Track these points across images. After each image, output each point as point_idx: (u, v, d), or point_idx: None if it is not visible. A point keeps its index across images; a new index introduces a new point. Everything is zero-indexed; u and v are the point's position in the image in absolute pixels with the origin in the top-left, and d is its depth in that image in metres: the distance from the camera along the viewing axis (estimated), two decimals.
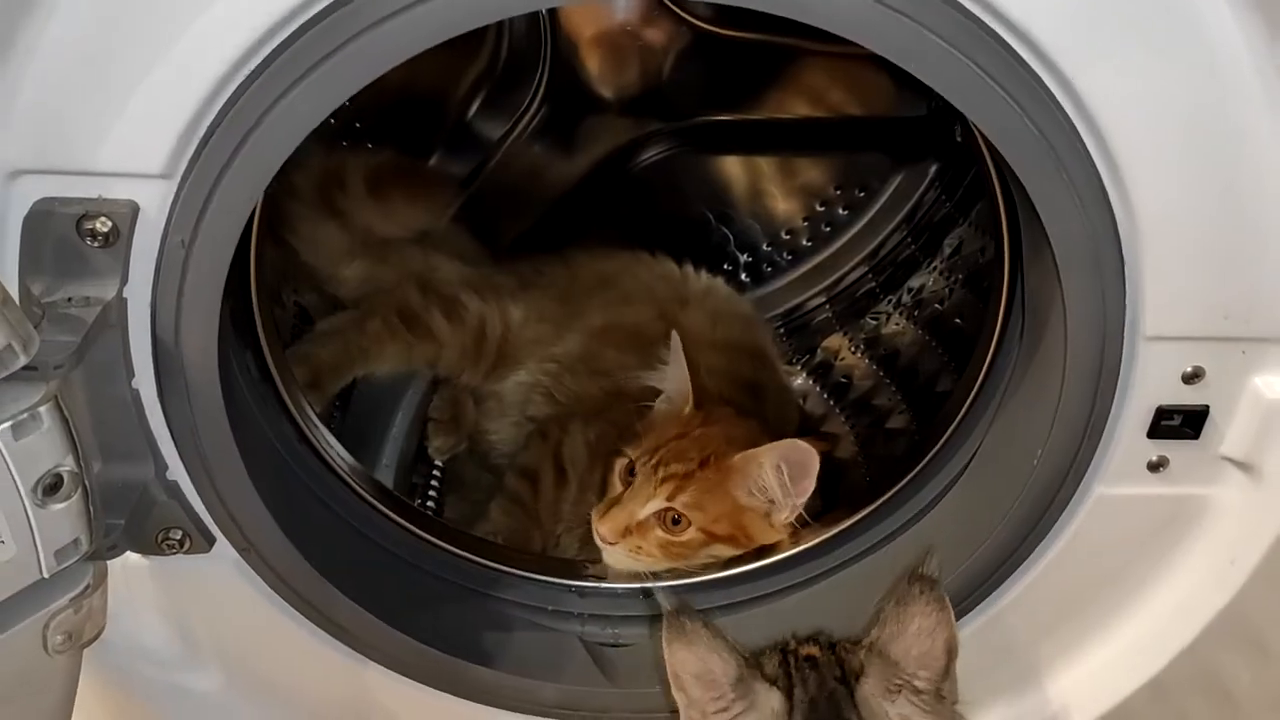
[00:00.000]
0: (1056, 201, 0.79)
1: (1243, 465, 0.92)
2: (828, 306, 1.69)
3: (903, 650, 0.85)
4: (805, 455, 1.06)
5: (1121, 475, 0.93)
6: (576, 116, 1.62)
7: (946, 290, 1.52)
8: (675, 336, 1.18)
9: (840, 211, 1.67)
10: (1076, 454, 0.90)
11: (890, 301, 1.62)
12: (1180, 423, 0.90)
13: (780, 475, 1.07)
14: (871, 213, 1.66)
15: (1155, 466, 0.93)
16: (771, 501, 1.09)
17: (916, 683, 0.84)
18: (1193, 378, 0.88)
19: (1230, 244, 0.82)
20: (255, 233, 0.94)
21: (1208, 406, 0.89)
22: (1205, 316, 0.85)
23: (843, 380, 1.59)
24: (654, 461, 1.12)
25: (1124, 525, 0.96)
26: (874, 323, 1.62)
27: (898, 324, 1.59)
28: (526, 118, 1.62)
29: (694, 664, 0.86)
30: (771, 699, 0.85)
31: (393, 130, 1.57)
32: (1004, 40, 0.74)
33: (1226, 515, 0.95)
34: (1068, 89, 0.76)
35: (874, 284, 1.66)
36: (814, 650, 0.89)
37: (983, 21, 0.74)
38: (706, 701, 0.86)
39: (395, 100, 1.52)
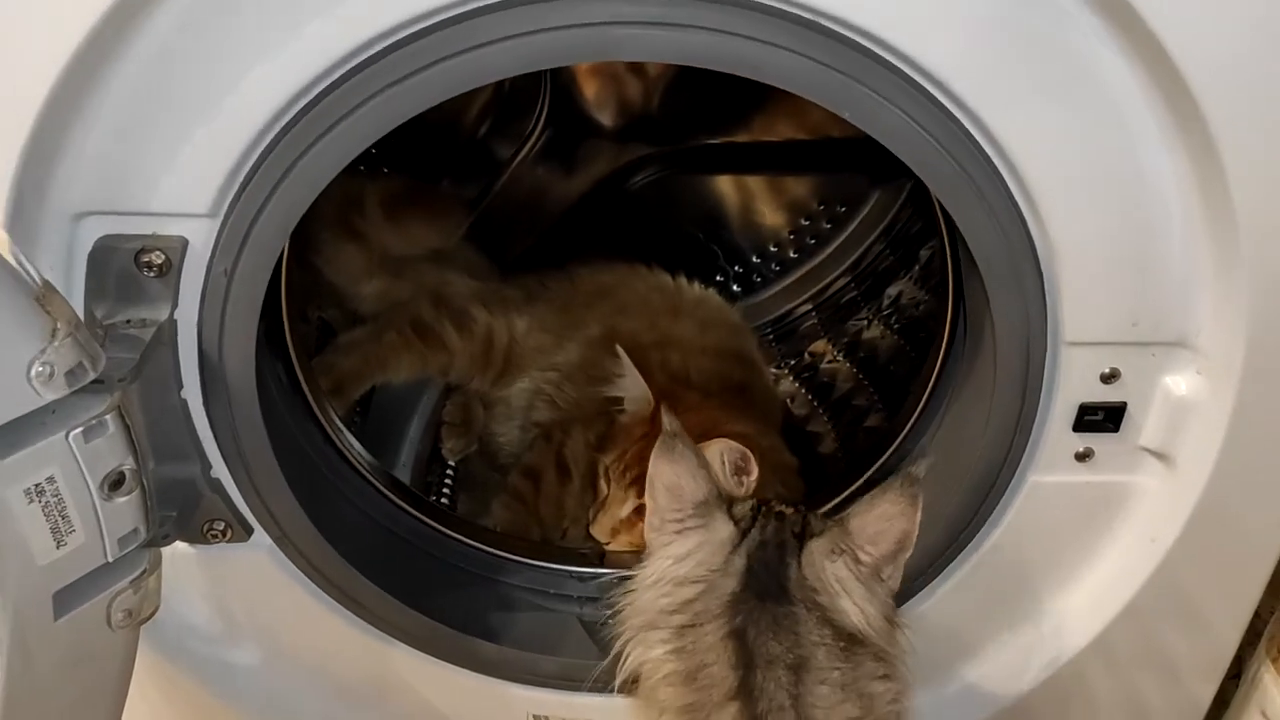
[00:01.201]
0: (979, 228, 0.88)
1: (1159, 455, 1.00)
2: (814, 314, 1.79)
3: (860, 525, 0.90)
4: (740, 450, 1.17)
5: (1052, 465, 1.01)
6: (576, 141, 1.71)
7: (921, 298, 1.61)
8: (620, 351, 1.28)
9: (824, 226, 1.77)
10: (1010, 446, 0.98)
11: (871, 309, 1.71)
12: (1102, 418, 0.98)
13: (724, 466, 1.17)
14: (852, 227, 1.75)
15: (1082, 457, 1.00)
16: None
17: (860, 554, 0.90)
18: (1110, 378, 0.96)
19: (1135, 261, 0.90)
20: (285, 259, 1.04)
21: (1125, 403, 0.97)
22: (1117, 324, 0.93)
23: (826, 382, 1.68)
24: (621, 467, 1.23)
25: (1057, 509, 1.04)
26: (855, 328, 1.71)
27: (877, 329, 1.68)
28: (530, 142, 1.71)
29: (669, 476, 0.93)
30: (724, 529, 0.91)
31: (406, 155, 1.66)
32: (927, 90, 0.83)
33: (1146, 499, 1.02)
34: (985, 132, 0.84)
35: (856, 293, 1.75)
36: (788, 510, 0.95)
37: (907, 75, 0.83)
38: (667, 509, 0.93)
39: (409, 129, 1.62)
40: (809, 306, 1.80)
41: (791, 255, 1.79)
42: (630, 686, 0.94)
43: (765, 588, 0.89)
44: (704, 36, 0.80)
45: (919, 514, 0.89)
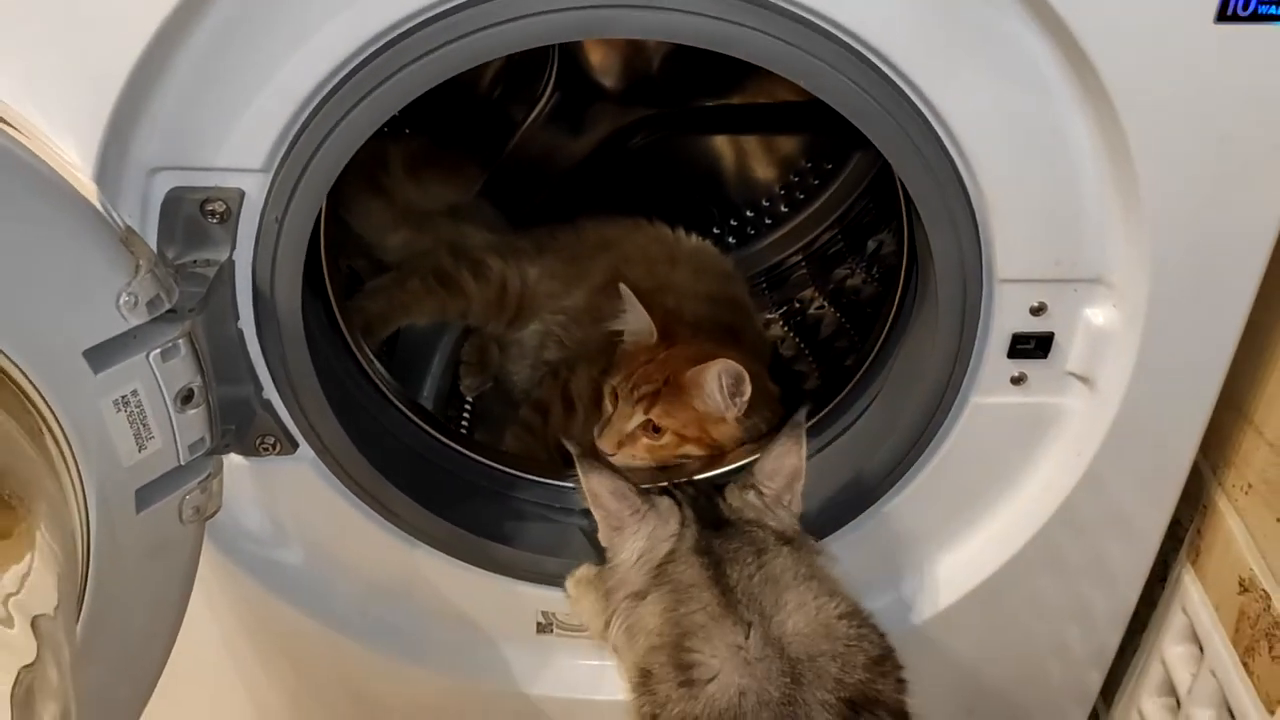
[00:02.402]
0: (920, 180, 1.00)
1: (1082, 378, 1.11)
2: (803, 264, 1.90)
3: (760, 465, 1.11)
4: (736, 370, 1.31)
5: (991, 388, 1.12)
6: (583, 104, 1.81)
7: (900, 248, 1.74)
8: (624, 288, 1.41)
9: (812, 182, 1.87)
10: (953, 372, 1.10)
11: (854, 259, 1.83)
12: (1033, 346, 1.10)
13: (721, 386, 1.31)
14: (838, 182, 1.86)
15: (1017, 381, 1.12)
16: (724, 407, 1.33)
17: (762, 488, 1.10)
18: (1038, 310, 1.07)
19: (1055, 209, 1.02)
20: (324, 212, 1.15)
21: (1053, 333, 1.09)
22: (1042, 263, 1.05)
23: (812, 326, 1.81)
24: (630, 385, 1.35)
25: (996, 427, 1.16)
26: (841, 276, 1.84)
27: (859, 278, 1.80)
28: (540, 104, 1.80)
29: (608, 483, 1.09)
30: (664, 501, 1.10)
31: (427, 118, 1.76)
32: (872, 63, 0.95)
33: (1072, 418, 1.14)
34: (923, 98, 0.96)
35: (841, 244, 1.87)
36: (688, 479, 1.16)
37: (856, 50, 0.95)
38: (621, 509, 1.10)
39: (429, 94, 1.73)
40: (799, 257, 1.91)
41: (783, 209, 1.90)
42: (618, 642, 1.11)
43: (712, 522, 1.09)
44: (679, 17, 0.93)
45: (804, 450, 1.10)
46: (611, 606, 1.11)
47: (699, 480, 1.15)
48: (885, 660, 1.02)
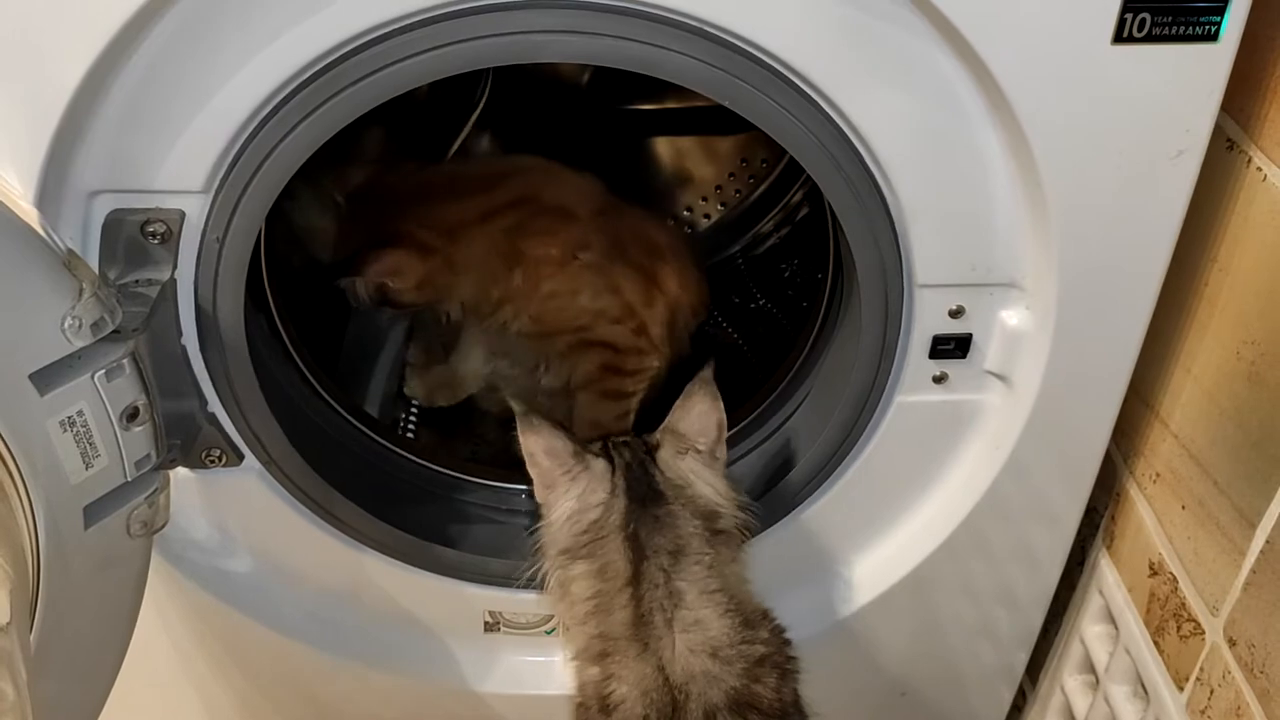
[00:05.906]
0: (841, 195, 1.04)
1: (999, 376, 1.17)
2: (741, 260, 1.93)
3: (687, 426, 1.14)
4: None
5: (913, 387, 1.17)
6: (520, 106, 1.82)
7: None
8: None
9: (748, 181, 1.91)
10: (878, 373, 1.15)
11: (793, 256, 1.87)
12: (952, 347, 1.14)
13: None
14: (773, 180, 1.89)
15: (938, 380, 1.17)
16: None
17: (698, 446, 1.14)
18: (957, 313, 1.12)
19: (970, 219, 1.06)
20: (262, 228, 1.17)
21: (971, 334, 1.14)
22: (959, 269, 1.09)
23: (752, 322, 1.85)
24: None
25: (919, 424, 1.20)
26: (779, 272, 1.88)
27: (798, 275, 1.85)
28: (477, 110, 1.78)
29: (543, 443, 1.13)
30: (599, 464, 1.13)
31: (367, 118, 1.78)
32: (793, 82, 0.99)
33: (991, 414, 1.19)
34: (841, 115, 1.00)
35: (779, 241, 1.91)
36: (626, 438, 1.17)
37: (777, 70, 0.98)
38: (554, 469, 1.13)
39: None
40: (738, 254, 1.94)
41: (719, 207, 1.93)
42: (554, 595, 1.15)
43: (644, 496, 1.12)
44: (607, 42, 0.96)
45: (721, 403, 1.14)
46: (547, 562, 1.15)
47: (634, 442, 1.17)
48: (765, 660, 1.07)
